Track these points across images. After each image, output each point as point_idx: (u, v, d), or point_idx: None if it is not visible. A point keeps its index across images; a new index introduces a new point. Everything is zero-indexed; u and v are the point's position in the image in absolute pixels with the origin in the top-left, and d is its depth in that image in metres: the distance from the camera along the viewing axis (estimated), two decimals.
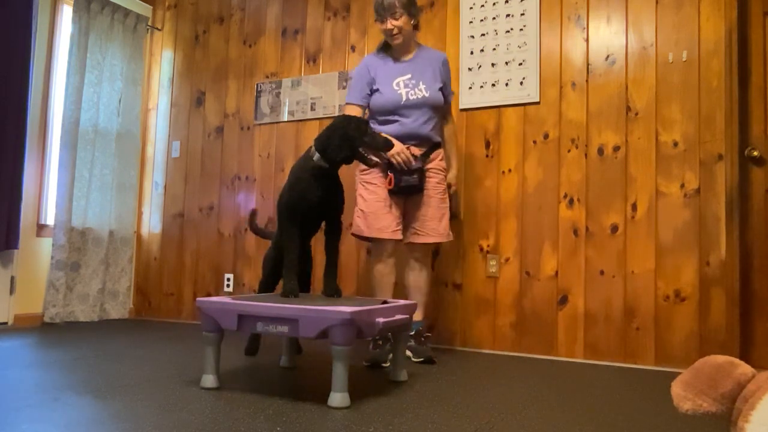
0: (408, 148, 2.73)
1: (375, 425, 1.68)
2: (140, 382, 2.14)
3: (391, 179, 2.72)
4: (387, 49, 2.88)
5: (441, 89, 2.84)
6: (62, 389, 2.00)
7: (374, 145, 2.36)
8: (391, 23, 2.74)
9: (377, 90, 2.81)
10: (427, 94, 2.78)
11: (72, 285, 3.90)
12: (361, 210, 2.78)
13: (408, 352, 2.79)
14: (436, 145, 2.86)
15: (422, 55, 2.87)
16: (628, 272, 2.94)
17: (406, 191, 2.74)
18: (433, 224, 2.81)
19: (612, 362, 2.92)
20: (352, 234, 2.85)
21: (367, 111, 2.90)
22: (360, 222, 2.78)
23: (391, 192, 2.75)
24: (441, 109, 2.89)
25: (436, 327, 3.35)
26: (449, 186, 2.94)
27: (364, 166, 2.79)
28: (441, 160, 2.88)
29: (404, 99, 2.76)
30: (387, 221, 2.74)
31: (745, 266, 2.78)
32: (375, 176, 2.79)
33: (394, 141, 2.56)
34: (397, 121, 2.78)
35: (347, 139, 2.31)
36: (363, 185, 2.81)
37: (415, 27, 2.86)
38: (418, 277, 2.85)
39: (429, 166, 2.82)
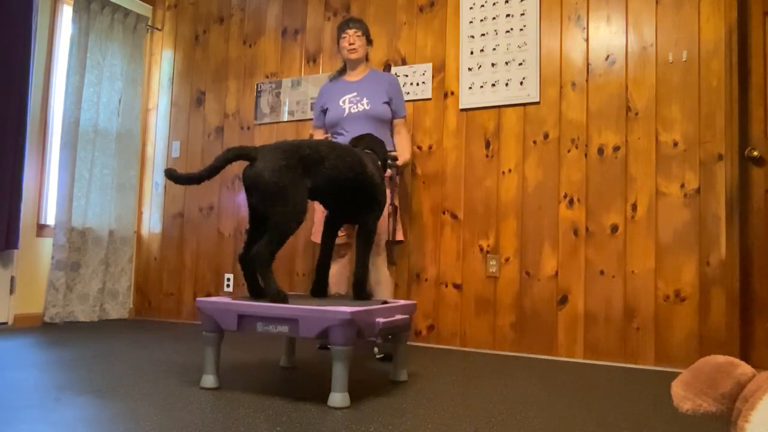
0: None
1: (375, 425, 1.68)
2: (140, 382, 2.14)
3: None
4: (340, 74, 3.17)
5: (388, 104, 3.02)
6: (62, 389, 2.00)
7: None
8: (353, 38, 3.05)
9: (327, 110, 3.09)
10: (368, 107, 2.98)
11: (72, 285, 3.90)
12: (315, 220, 3.14)
13: (375, 348, 2.91)
14: None
15: (370, 77, 3.10)
16: (628, 272, 2.94)
17: None
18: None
19: (612, 362, 2.92)
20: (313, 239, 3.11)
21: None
22: (314, 229, 3.14)
23: None
24: (387, 123, 3.05)
25: (436, 327, 3.35)
26: (394, 166, 2.92)
27: None
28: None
29: (346, 113, 3.00)
30: None
31: (745, 266, 2.78)
32: None
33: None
34: (341, 133, 3.01)
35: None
36: None
37: (367, 57, 3.15)
38: (377, 273, 2.91)
39: None
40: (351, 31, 3.05)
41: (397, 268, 3.44)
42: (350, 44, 3.05)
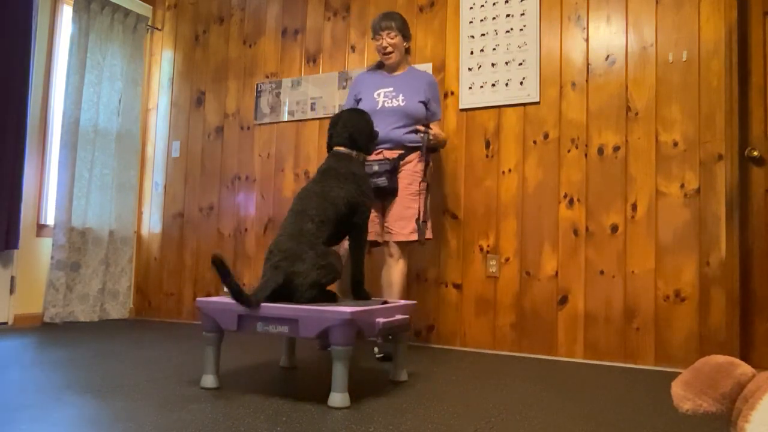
0: (380, 152, 2.89)
1: (375, 425, 1.68)
2: (140, 382, 2.14)
3: None
4: (379, 66, 3.09)
5: (424, 104, 2.95)
6: (62, 389, 2.00)
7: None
8: (386, 41, 2.95)
9: (360, 99, 3.01)
10: (403, 104, 2.91)
11: (72, 285, 3.90)
12: None
13: (375, 348, 2.88)
14: (411, 150, 2.92)
15: (410, 74, 3.03)
16: (628, 272, 2.94)
17: (376, 192, 2.74)
18: (401, 224, 2.86)
19: (612, 362, 2.92)
20: None
21: None
22: None
23: None
24: (420, 122, 2.95)
25: (436, 327, 3.35)
26: (425, 132, 2.91)
27: None
28: (418, 162, 2.92)
29: (380, 106, 2.93)
30: None
31: (745, 266, 2.78)
32: None
33: None
34: None
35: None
36: None
37: (407, 51, 3.07)
38: (389, 274, 2.89)
39: (402, 169, 2.90)
40: (383, 33, 2.95)
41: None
42: (384, 48, 2.96)
